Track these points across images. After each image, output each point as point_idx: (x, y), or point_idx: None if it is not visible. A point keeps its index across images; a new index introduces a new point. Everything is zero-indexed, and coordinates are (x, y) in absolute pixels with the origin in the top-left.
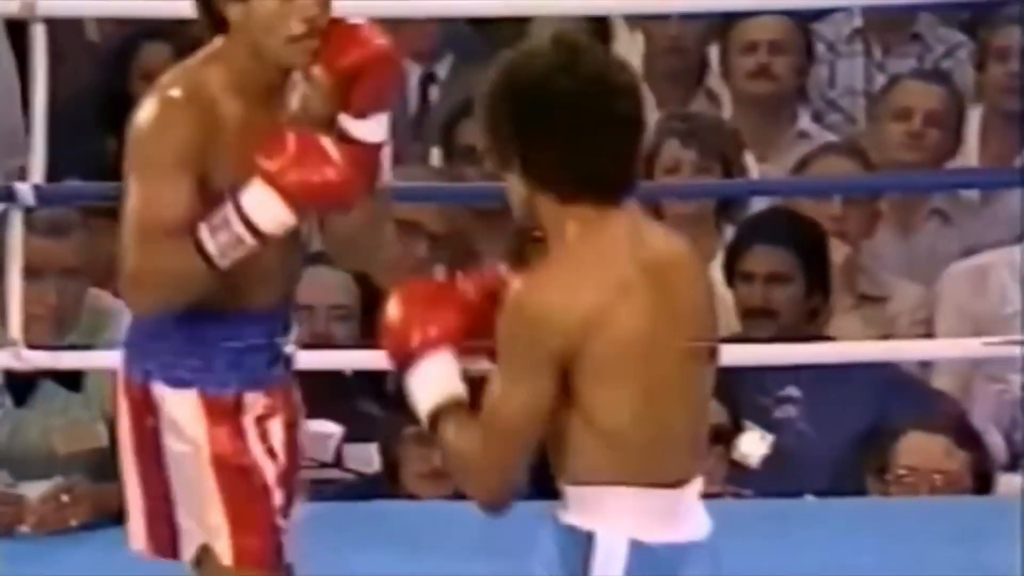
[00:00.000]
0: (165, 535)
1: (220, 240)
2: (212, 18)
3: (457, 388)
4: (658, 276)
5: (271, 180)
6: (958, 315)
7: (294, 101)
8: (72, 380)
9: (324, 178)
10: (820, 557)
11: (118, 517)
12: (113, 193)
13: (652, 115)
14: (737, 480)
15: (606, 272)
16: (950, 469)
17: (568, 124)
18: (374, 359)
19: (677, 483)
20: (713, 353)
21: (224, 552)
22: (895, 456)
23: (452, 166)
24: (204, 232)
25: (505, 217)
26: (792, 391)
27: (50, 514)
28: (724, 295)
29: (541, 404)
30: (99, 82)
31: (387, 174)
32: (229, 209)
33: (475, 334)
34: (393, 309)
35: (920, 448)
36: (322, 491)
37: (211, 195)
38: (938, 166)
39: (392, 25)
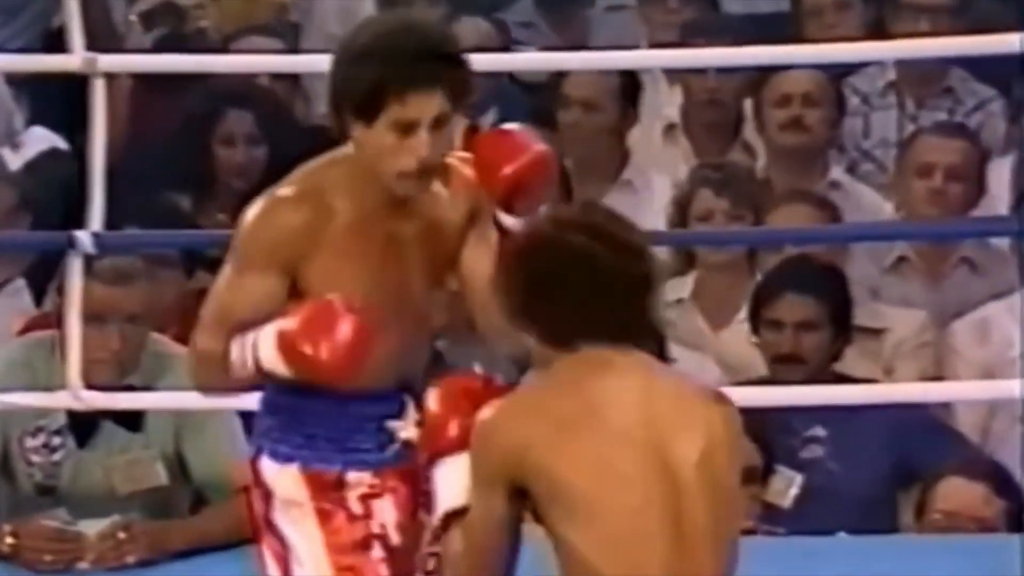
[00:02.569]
0: None
1: (235, 354)
2: (341, 124)
3: None
4: (640, 427)
5: (279, 336)
6: (965, 366)
7: (426, 204)
8: (132, 421)
9: (320, 357)
10: None
11: (174, 554)
12: (168, 242)
13: (688, 165)
14: (770, 519)
15: (556, 405)
16: (987, 517)
17: (578, 282)
18: None
19: None
20: (725, 501)
21: None
22: (933, 499)
23: None
24: (237, 340)
25: None
26: (818, 431)
27: (108, 551)
28: (750, 341)
29: (494, 520)
30: (182, 142)
31: None
32: (252, 334)
33: None
34: (433, 403)
35: (959, 494)
36: None
37: (309, 295)
38: (963, 216)
39: None
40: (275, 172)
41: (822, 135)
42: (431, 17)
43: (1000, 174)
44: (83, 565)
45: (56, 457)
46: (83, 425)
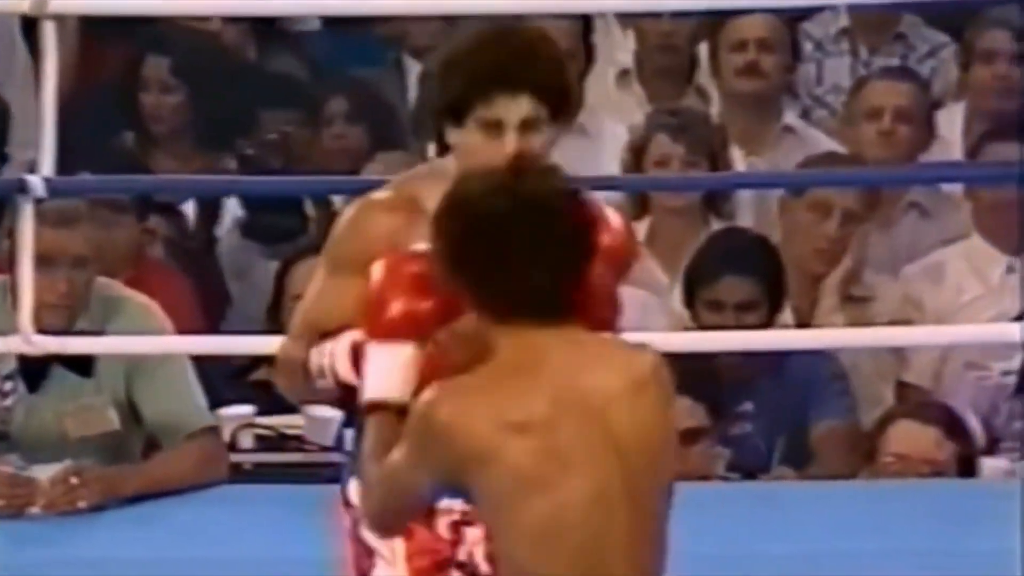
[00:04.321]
0: None
1: (314, 362)
2: (438, 132)
3: (404, 391)
4: (581, 409)
5: (352, 348)
6: (918, 310)
7: None
8: (83, 366)
9: None
10: (806, 538)
11: (127, 499)
12: (120, 187)
13: (643, 110)
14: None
15: (511, 404)
16: (938, 459)
17: (500, 246)
18: None
19: None
20: (661, 480)
21: None
22: (884, 443)
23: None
24: (315, 350)
25: None
26: (747, 406)
27: (60, 496)
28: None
29: (413, 497)
30: (113, 83)
31: None
32: (329, 344)
33: (445, 322)
34: (377, 280)
35: (911, 437)
36: (324, 474)
37: None
38: (911, 161)
39: (395, 22)
40: (199, 117)
41: (777, 80)
42: (530, 26)
43: (952, 119)
44: (34, 510)
45: (7, 402)
46: (34, 370)
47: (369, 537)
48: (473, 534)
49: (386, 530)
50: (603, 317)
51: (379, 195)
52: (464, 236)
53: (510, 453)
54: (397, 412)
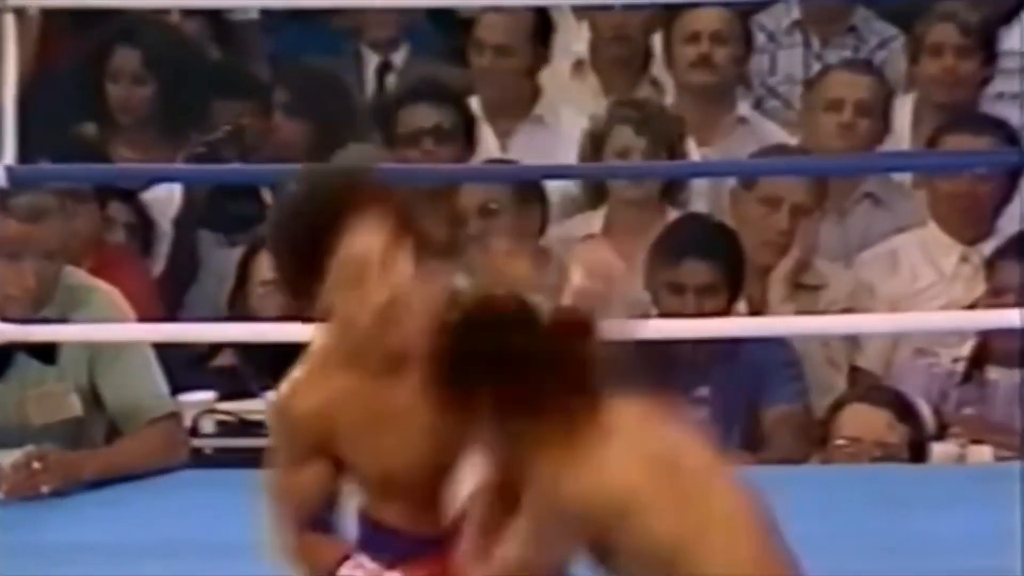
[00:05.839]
0: None
1: None
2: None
3: None
4: (655, 454)
5: None
6: (871, 297)
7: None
8: (46, 353)
9: None
10: None
11: (88, 484)
12: (82, 175)
13: (598, 100)
14: None
15: (620, 461)
16: (890, 442)
17: (530, 377)
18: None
19: None
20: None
21: None
22: (836, 426)
23: (393, 151)
24: None
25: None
26: (703, 391)
27: (22, 481)
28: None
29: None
30: (77, 72)
31: None
32: None
33: None
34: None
35: (863, 420)
36: None
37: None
38: (869, 152)
39: (353, 15)
40: (167, 110)
41: (730, 72)
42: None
43: (902, 111)
44: None
45: None
46: None
47: None
48: None
49: None
50: None
51: (285, 400)
52: (492, 380)
53: (643, 501)
54: None
